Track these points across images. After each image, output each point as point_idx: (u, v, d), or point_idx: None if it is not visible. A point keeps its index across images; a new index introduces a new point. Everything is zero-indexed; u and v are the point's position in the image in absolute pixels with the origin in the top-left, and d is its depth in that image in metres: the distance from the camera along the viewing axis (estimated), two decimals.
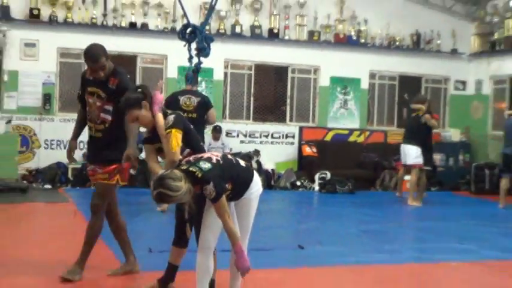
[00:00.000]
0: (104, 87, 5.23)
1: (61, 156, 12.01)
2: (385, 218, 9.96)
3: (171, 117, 4.67)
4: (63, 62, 12.57)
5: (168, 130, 4.58)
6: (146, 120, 4.73)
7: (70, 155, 5.54)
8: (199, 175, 4.15)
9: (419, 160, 11.15)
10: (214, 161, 4.31)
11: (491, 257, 6.99)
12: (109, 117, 5.25)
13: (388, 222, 9.48)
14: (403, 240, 8.05)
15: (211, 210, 4.43)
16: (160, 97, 4.84)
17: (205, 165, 4.22)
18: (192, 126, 4.88)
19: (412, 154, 11.22)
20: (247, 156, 12.15)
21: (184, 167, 4.24)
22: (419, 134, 11.18)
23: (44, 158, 12.21)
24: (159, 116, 4.68)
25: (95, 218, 5.30)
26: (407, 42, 14.73)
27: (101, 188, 5.33)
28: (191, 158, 4.39)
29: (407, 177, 11.89)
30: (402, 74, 14.82)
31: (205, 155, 4.43)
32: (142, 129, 5.01)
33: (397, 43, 14.57)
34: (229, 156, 4.62)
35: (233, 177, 4.39)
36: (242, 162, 4.66)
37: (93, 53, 5.22)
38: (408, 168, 11.42)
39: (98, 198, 5.32)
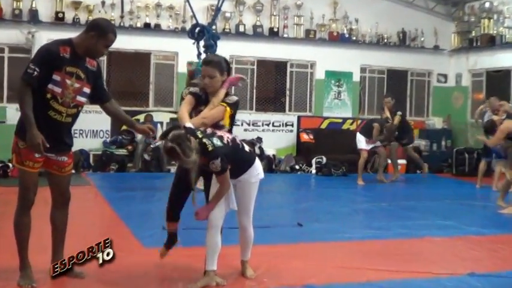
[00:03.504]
0: (83, 67, 4.28)
1: (84, 144, 12.01)
2: (374, 198, 9.90)
3: (235, 98, 4.77)
4: None
5: (224, 104, 4.65)
6: (216, 85, 4.70)
7: (44, 147, 4.16)
8: (210, 149, 4.21)
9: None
10: (225, 141, 4.36)
11: (471, 233, 6.92)
12: (85, 101, 4.36)
13: (378, 202, 9.42)
14: (391, 218, 7.98)
15: None
16: (234, 80, 4.95)
17: (218, 142, 4.27)
18: None
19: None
20: (251, 143, 12.11)
21: (200, 135, 4.26)
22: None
23: None
24: (223, 90, 4.70)
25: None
26: (394, 40, 14.64)
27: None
28: (209, 130, 4.44)
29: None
30: (390, 68, 14.74)
31: (219, 133, 4.45)
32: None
33: (385, 40, 14.47)
34: (237, 140, 4.62)
35: (236, 159, 4.41)
36: (246, 148, 4.68)
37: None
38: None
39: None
